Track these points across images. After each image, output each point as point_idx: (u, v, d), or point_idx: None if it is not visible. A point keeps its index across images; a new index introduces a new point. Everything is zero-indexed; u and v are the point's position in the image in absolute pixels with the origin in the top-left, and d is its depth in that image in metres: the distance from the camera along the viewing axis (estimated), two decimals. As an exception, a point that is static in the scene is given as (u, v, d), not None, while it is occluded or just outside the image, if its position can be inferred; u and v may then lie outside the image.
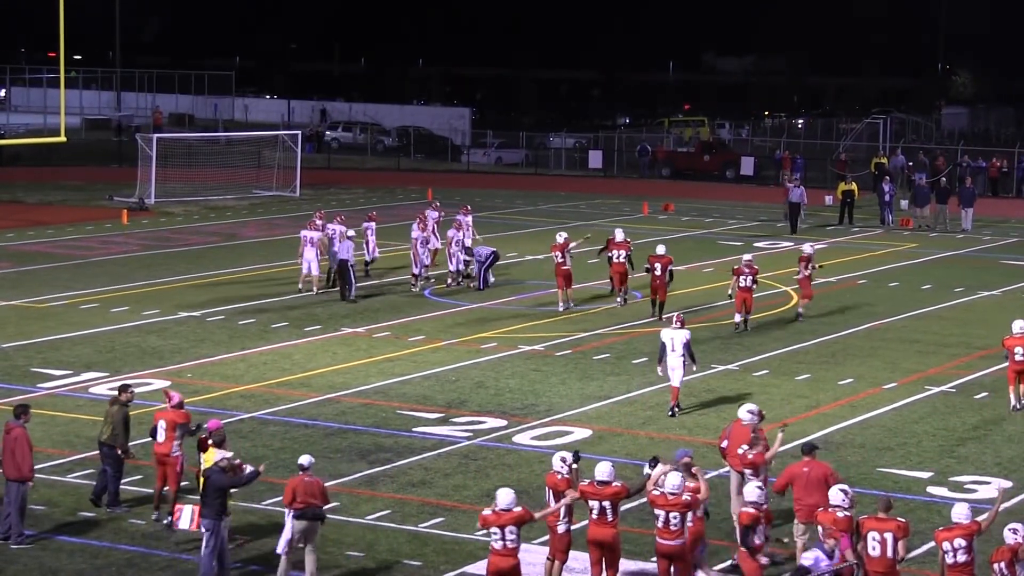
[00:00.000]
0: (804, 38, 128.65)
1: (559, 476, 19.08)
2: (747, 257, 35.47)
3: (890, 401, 28.98)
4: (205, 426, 21.00)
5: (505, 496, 17.89)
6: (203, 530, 19.07)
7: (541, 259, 43.67)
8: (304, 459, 19.33)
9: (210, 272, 42.05)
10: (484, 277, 39.85)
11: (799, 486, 19.56)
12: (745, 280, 34.52)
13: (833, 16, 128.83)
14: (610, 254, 38.23)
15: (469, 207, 43.66)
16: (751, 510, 18.07)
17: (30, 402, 25.50)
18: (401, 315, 36.48)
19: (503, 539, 17.73)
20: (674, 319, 28.08)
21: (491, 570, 17.87)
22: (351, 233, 38.79)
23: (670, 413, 27.68)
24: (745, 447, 20.51)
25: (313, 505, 19.03)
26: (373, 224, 41.88)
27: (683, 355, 27.42)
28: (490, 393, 29.12)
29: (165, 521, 20.98)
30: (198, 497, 19.99)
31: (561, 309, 37.20)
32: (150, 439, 21.75)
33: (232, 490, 19.40)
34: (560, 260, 37.13)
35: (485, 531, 18.23)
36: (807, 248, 37.18)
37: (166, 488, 21.32)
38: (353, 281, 38.08)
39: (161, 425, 21.37)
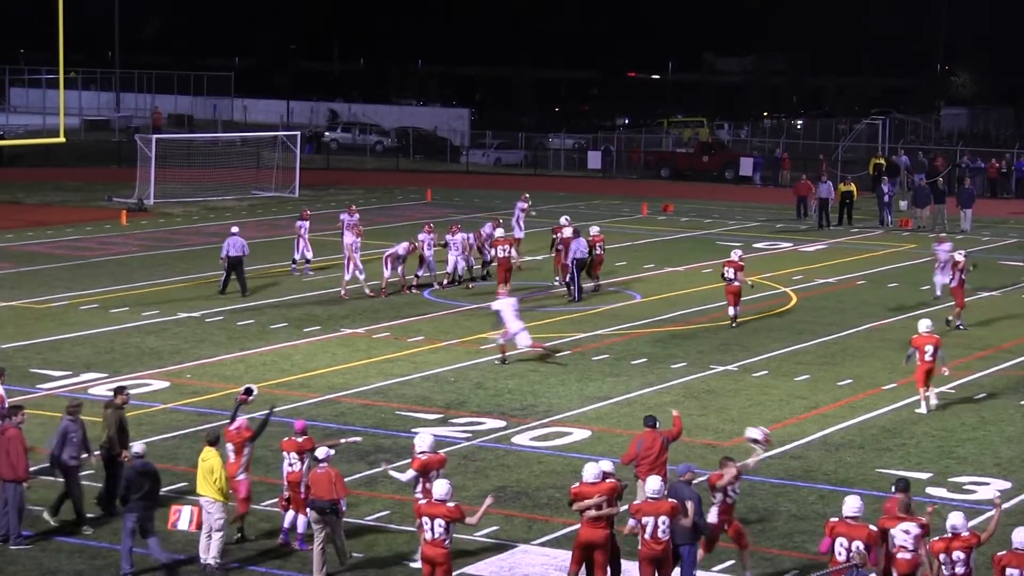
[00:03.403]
0: (804, 38, 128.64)
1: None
2: (737, 253, 36.12)
3: (889, 402, 28.98)
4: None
5: (439, 487, 18.13)
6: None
7: (541, 259, 43.67)
8: (319, 451, 19.64)
9: (209, 273, 42.00)
10: (578, 285, 38.81)
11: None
12: (730, 273, 35.37)
13: (833, 16, 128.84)
14: (555, 235, 40.56)
15: (500, 222, 42.65)
16: (907, 556, 17.27)
17: (30, 403, 25.55)
18: (400, 316, 36.48)
19: (432, 530, 17.92)
20: (502, 291, 31.94)
21: (422, 557, 18.12)
22: (235, 229, 39.71)
23: (500, 360, 31.41)
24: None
25: (320, 498, 19.23)
26: (307, 224, 42.26)
27: (518, 317, 31.24)
28: (489, 394, 29.12)
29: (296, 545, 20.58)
30: (197, 498, 20.02)
31: None
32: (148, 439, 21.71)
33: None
34: (505, 255, 38.26)
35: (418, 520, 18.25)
36: (959, 255, 36.29)
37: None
38: (240, 276, 38.76)
39: (293, 457, 20.51)
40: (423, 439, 19.96)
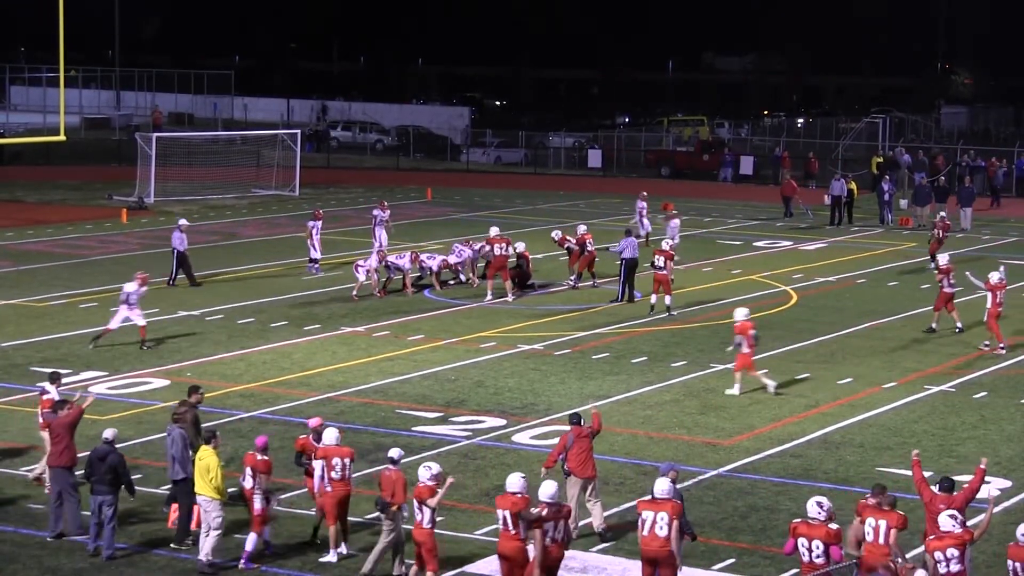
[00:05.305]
0: (804, 37, 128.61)
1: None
2: (666, 244, 37.60)
3: (889, 400, 28.97)
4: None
5: (422, 472, 18.77)
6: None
7: (540, 258, 43.64)
8: (393, 452, 19.79)
9: (208, 272, 41.99)
10: (623, 288, 38.39)
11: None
12: (659, 261, 36.38)
13: (833, 15, 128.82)
14: (564, 245, 40.98)
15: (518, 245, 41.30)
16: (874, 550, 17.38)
17: (30, 401, 25.54)
18: (400, 314, 36.47)
19: (420, 511, 18.64)
20: (142, 275, 32.79)
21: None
22: (183, 222, 40.22)
23: (94, 340, 32.23)
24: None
25: (381, 496, 19.44)
26: (319, 224, 42.25)
27: (137, 303, 32.17)
28: (489, 392, 29.11)
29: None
30: (195, 498, 20.06)
31: (511, 299, 38.19)
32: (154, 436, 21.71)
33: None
34: (502, 252, 38.21)
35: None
36: (944, 259, 36.14)
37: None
38: (190, 267, 39.52)
39: (247, 472, 20.11)
40: (331, 433, 20.43)
